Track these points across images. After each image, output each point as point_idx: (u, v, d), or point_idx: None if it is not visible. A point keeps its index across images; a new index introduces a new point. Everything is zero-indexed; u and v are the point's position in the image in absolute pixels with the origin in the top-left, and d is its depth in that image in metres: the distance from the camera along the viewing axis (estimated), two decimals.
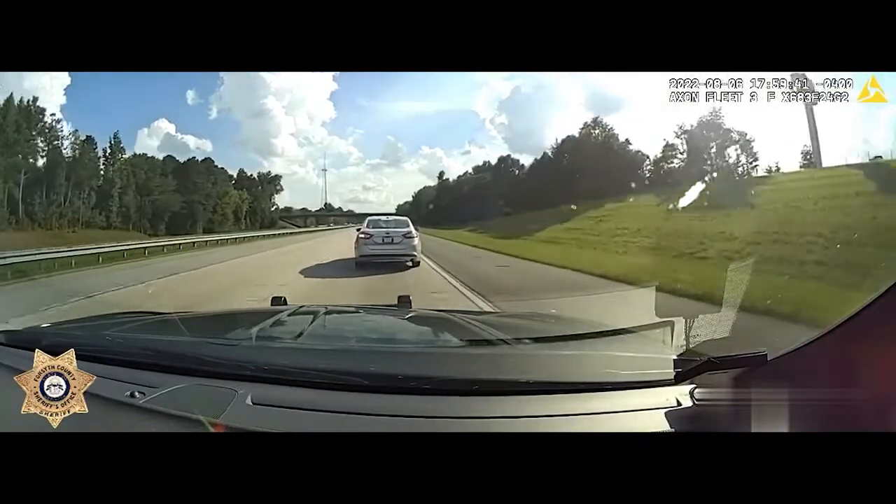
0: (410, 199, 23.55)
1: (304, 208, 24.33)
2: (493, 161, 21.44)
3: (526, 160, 20.44)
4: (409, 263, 8.18)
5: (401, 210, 20.88)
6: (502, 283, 6.95)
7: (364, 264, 7.95)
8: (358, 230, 8.84)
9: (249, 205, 21.64)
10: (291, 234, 22.02)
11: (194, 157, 20.21)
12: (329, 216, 24.23)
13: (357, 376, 0.95)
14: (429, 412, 0.87)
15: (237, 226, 20.83)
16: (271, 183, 22.95)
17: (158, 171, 18.91)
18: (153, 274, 8.19)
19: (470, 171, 22.53)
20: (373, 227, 8.52)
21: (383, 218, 9.35)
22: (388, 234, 8.30)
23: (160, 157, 19.68)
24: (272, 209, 23.12)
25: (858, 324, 0.76)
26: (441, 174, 23.24)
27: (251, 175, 22.59)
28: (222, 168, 21.27)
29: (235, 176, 21.89)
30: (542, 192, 17.34)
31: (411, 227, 8.59)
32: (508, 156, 21.04)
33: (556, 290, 6.07)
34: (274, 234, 20.78)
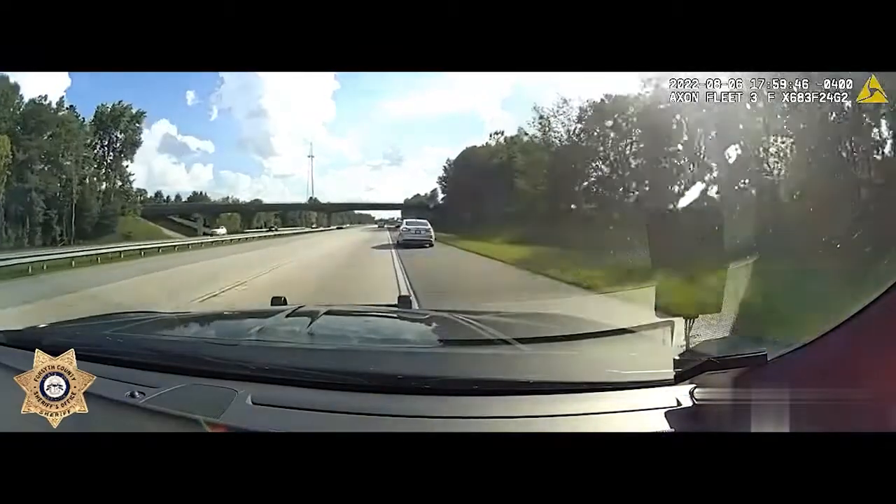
0: (442, 174, 19.99)
1: (256, 199, 16.25)
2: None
3: None
4: (427, 245, 13.51)
5: (409, 203, 19.99)
6: None
7: (402, 244, 13.31)
8: (397, 227, 15.79)
9: (8, 172, 7.94)
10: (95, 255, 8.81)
11: None
12: (309, 209, 17.25)
13: (357, 376, 0.95)
14: (429, 412, 0.87)
15: None
16: (107, 126, 8.71)
17: None
18: None
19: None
20: (408, 225, 14.80)
21: (412, 220, 15.57)
22: (417, 228, 14.31)
23: None
24: (119, 192, 9.91)
25: (858, 324, 0.76)
26: None
27: (49, 102, 7.83)
28: None
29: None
30: None
31: (429, 226, 14.43)
32: None
33: None
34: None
